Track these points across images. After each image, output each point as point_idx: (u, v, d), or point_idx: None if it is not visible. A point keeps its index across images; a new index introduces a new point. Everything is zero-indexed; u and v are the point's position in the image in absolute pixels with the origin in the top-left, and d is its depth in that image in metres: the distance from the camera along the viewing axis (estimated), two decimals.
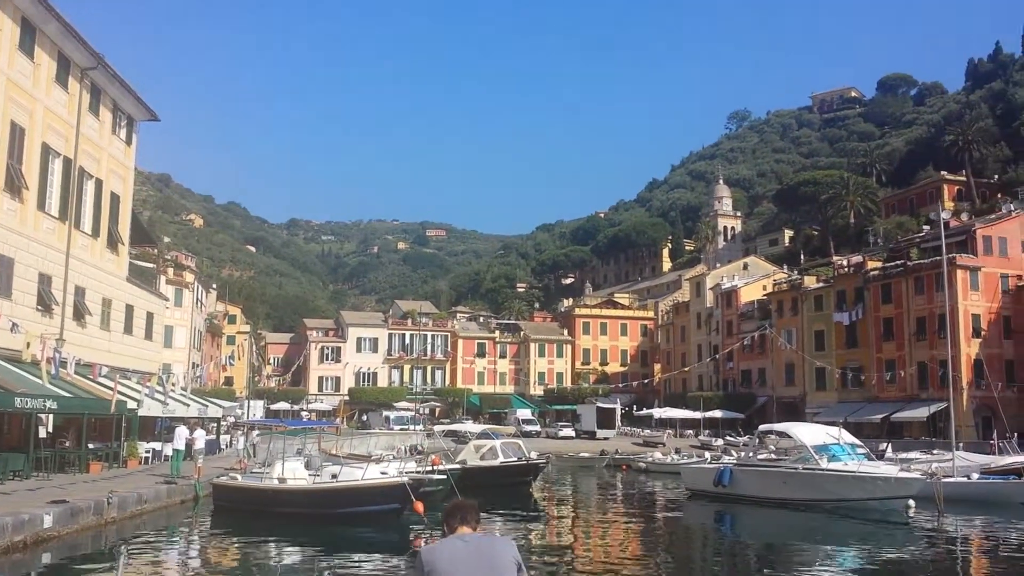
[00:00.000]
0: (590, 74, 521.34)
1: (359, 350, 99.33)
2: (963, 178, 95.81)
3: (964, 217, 74.21)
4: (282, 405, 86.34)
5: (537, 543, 23.48)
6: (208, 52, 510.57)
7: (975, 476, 32.42)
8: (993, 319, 61.48)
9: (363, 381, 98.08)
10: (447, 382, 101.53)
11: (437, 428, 65.47)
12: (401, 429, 69.07)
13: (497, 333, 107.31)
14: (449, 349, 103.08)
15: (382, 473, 25.56)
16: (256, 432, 44.30)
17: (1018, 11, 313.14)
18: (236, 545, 21.40)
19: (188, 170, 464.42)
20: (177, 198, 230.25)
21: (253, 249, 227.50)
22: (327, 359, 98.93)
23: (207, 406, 42.78)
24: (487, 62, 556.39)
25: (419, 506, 22.42)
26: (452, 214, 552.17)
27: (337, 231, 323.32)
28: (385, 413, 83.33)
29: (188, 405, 40.62)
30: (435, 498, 27.78)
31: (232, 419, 52.76)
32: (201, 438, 31.11)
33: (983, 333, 60.83)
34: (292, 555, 20.03)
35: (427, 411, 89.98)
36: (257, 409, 70.00)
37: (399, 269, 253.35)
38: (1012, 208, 69.27)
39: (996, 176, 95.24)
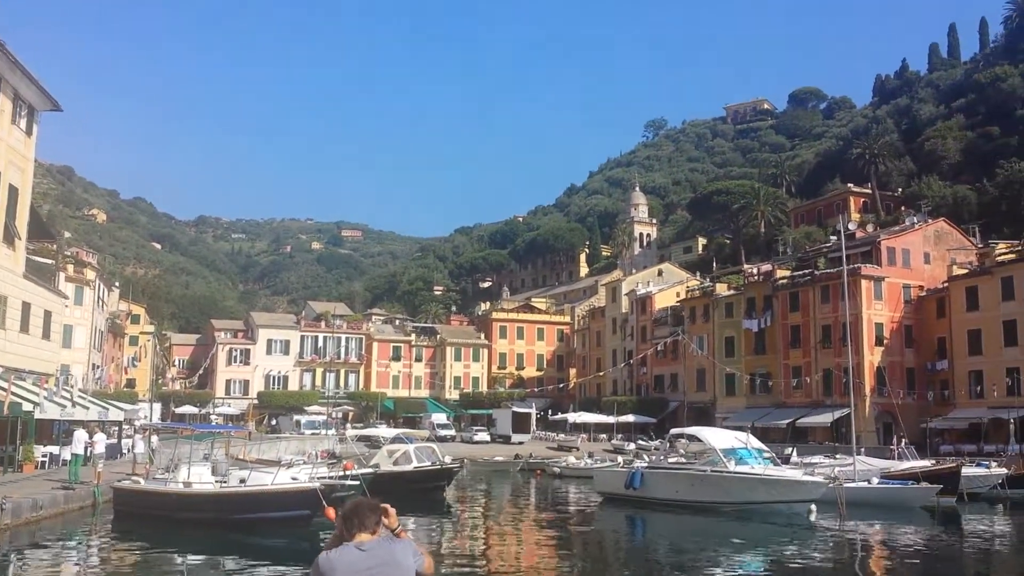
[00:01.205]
0: (510, 77, 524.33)
1: (269, 352, 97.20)
2: (869, 191, 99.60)
3: (869, 229, 77.13)
4: (188, 409, 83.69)
5: (450, 548, 23.30)
6: (115, 41, 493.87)
7: (876, 481, 33.57)
8: (895, 328, 63.99)
9: (273, 384, 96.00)
10: (361, 386, 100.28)
11: (350, 433, 64.48)
12: (312, 434, 67.75)
13: (413, 336, 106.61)
14: (363, 352, 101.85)
15: (292, 478, 25.04)
16: (152, 436, 42.75)
17: (924, 30, 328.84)
18: (138, 552, 20.59)
19: (92, 163, 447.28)
20: (80, 192, 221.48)
21: (159, 246, 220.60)
22: (236, 361, 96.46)
23: (108, 409, 41.10)
24: (406, 60, 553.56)
25: (330, 512, 21.87)
26: (369, 215, 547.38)
27: (248, 229, 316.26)
28: (296, 417, 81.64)
29: (88, 408, 38.96)
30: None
31: (135, 422, 50.89)
32: (101, 442, 29.97)
33: (885, 342, 63.23)
34: (197, 563, 19.36)
35: (340, 415, 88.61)
36: (152, 412, 67.69)
37: (313, 270, 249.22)
38: (915, 221, 72.22)
39: (900, 189, 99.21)
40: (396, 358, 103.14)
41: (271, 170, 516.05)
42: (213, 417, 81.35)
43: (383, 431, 63.42)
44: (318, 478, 25.26)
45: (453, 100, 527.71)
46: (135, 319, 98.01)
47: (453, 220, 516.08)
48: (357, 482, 27.64)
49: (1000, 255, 61.31)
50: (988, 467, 37.65)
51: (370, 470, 33.12)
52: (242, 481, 24.64)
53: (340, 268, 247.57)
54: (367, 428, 72.64)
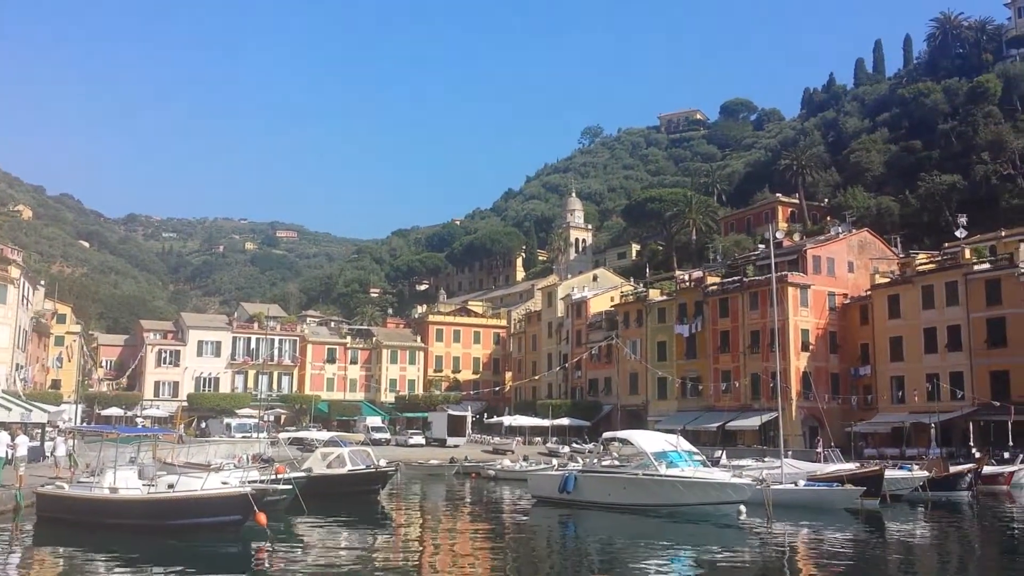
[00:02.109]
0: (450, 79, 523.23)
1: (200, 354, 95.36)
2: (796, 201, 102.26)
3: (796, 238, 79.25)
4: (114, 411, 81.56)
5: (384, 552, 23.27)
6: (35, 28, 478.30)
7: (802, 483, 34.54)
8: (820, 334, 65.87)
9: (204, 386, 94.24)
10: (294, 388, 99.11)
11: (282, 436, 63.57)
12: (243, 437, 66.73)
13: (349, 339, 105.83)
14: (297, 354, 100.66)
15: (223, 483, 24.70)
16: (72, 439, 41.57)
17: (851, 46, 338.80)
18: (62, 559, 20.12)
19: (17, 158, 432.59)
20: (4, 187, 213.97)
21: (87, 245, 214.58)
22: (165, 363, 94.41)
23: (31, 410, 39.96)
24: (345, 58, 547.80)
25: (261, 517, 21.79)
26: (305, 215, 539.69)
27: (180, 228, 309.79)
28: (227, 420, 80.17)
29: (10, 409, 37.82)
30: (279, 508, 27.08)
31: (58, 424, 49.46)
32: (24, 444, 29.10)
33: (811, 347, 65.02)
34: (123, 570, 18.97)
35: (272, 418, 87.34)
36: (76, 414, 65.74)
37: (246, 270, 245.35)
38: (840, 230, 74.57)
39: (826, 200, 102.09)
40: (331, 360, 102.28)
41: (204, 168, 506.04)
42: (139, 420, 79.48)
43: (317, 434, 62.72)
44: (249, 482, 24.94)
45: (391, 101, 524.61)
46: (61, 319, 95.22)
47: (390, 222, 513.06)
48: (289, 486, 27.38)
49: (921, 265, 63.59)
50: (910, 470, 38.94)
51: (302, 474, 32.81)
52: (171, 486, 24.19)
53: (274, 269, 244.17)
54: (300, 431, 71.74)
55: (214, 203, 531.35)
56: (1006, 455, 48.68)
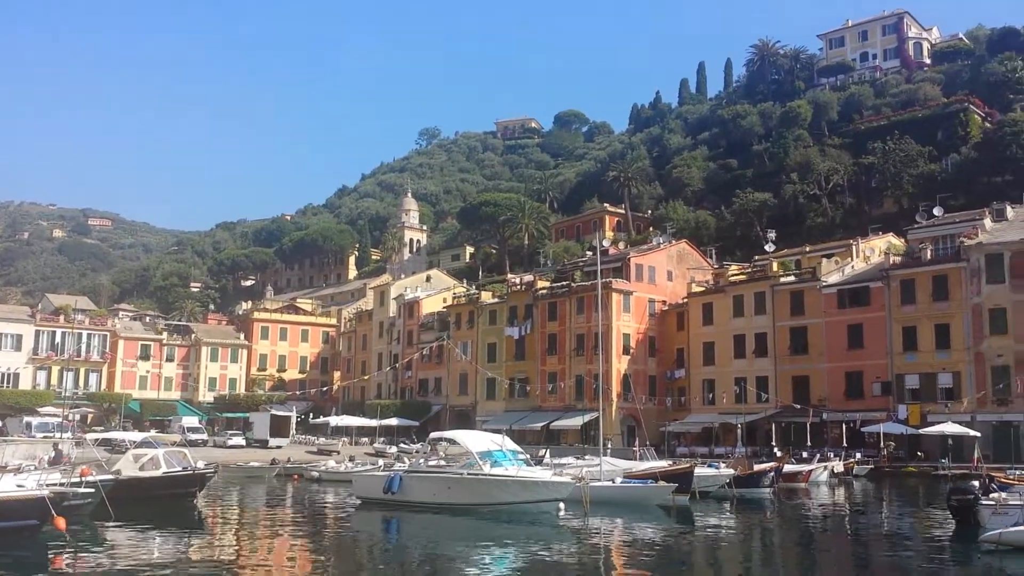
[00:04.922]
0: (283, 72, 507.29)
1: None
2: (622, 211, 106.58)
3: (621, 246, 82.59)
4: None
5: (197, 557, 22.35)
6: None
7: (619, 480, 35.94)
8: (641, 339, 68.98)
9: (2, 383, 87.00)
10: (104, 386, 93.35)
11: (89, 436, 59.53)
12: (45, 436, 62.13)
13: (165, 335, 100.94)
14: (108, 350, 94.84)
15: (18, 485, 22.99)
16: None
17: (677, 67, 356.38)
18: None
19: None
20: None
21: None
22: None
23: None
24: (174, 43, 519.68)
25: (60, 522, 20.45)
26: (121, 203, 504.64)
27: None
28: (27, 419, 74.37)
29: None
30: (81, 512, 25.48)
31: None
32: None
33: (632, 351, 67.99)
34: None
35: (78, 417, 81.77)
36: None
37: (53, 260, 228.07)
38: (661, 241, 78.61)
39: (650, 211, 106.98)
40: (145, 357, 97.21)
41: (6, 147, 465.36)
42: None
43: (129, 435, 59.23)
44: (47, 485, 23.28)
45: (220, 84, 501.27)
46: None
47: (215, 214, 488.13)
48: (92, 489, 25.79)
49: (733, 276, 67.93)
50: (718, 468, 41.29)
51: (110, 477, 30.95)
52: None
53: (85, 259, 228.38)
54: (109, 431, 67.54)
55: (19, 186, 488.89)
56: (804, 454, 52.74)
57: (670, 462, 44.02)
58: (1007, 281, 52.40)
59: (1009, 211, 58.59)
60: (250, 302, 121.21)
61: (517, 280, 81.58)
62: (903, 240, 65.85)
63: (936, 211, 65.89)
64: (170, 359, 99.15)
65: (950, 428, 50.62)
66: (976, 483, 27.80)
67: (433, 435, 39.62)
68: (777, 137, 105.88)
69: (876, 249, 65.77)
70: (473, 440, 34.32)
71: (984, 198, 68.05)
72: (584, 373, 67.71)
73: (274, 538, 27.10)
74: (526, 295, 75.50)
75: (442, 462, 35.83)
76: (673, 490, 33.51)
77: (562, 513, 29.52)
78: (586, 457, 45.31)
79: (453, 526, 29.07)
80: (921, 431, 52.78)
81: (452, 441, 35.94)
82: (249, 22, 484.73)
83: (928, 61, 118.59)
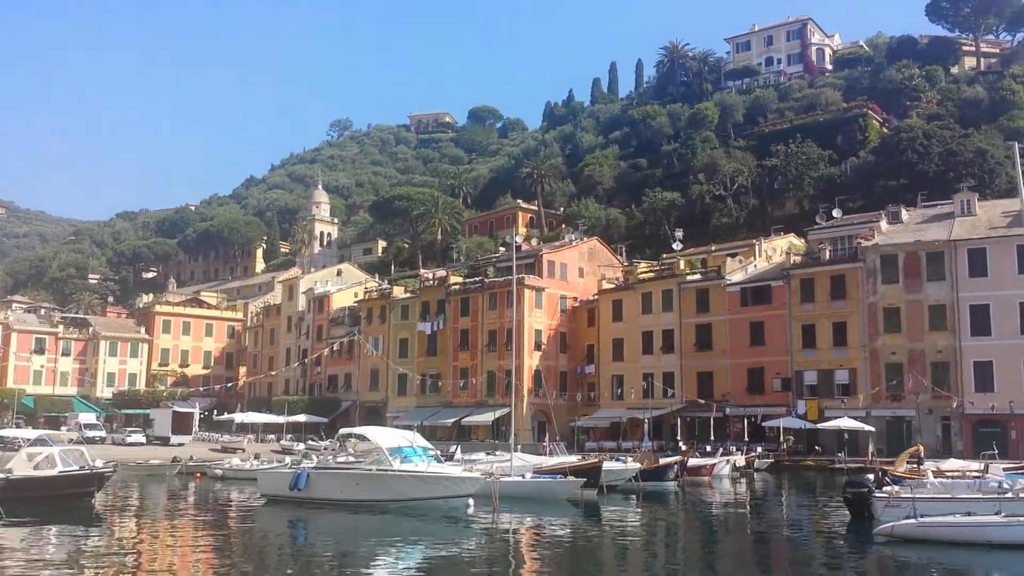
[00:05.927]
0: (183, 55, 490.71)
1: None
2: (535, 207, 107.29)
3: (534, 243, 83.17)
4: None
5: (98, 559, 21.51)
6: None
7: (528, 475, 36.20)
8: (552, 335, 69.58)
9: None
10: None
11: None
12: None
13: (61, 328, 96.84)
14: (0, 343, 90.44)
15: None
16: None
17: (590, 66, 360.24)
18: None
19: None
20: None
21: None
22: None
23: None
24: (75, 23, 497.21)
25: None
26: (14, 190, 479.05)
27: None
28: None
29: None
30: None
31: None
32: None
33: (543, 347, 68.51)
34: None
35: None
36: None
37: None
38: (573, 238, 79.38)
39: (562, 209, 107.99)
40: (39, 351, 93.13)
41: None
42: None
43: (22, 432, 56.60)
44: None
45: (119, 66, 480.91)
46: None
47: (115, 203, 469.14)
48: None
49: (642, 273, 69.14)
50: (625, 462, 42.01)
51: (1, 476, 29.60)
52: None
53: None
54: (2, 428, 64.44)
55: None
56: (708, 448, 54.19)
57: (579, 457, 44.57)
58: (901, 281, 54.84)
59: (904, 214, 61.23)
60: (151, 295, 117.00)
61: (430, 275, 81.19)
62: (804, 240, 68.23)
63: (835, 213, 68.58)
64: (66, 353, 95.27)
65: (846, 423, 52.72)
66: (871, 476, 28.96)
67: (343, 431, 39.17)
68: (685, 138, 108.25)
69: (778, 249, 67.92)
70: (383, 436, 34.08)
71: (881, 201, 70.84)
72: (496, 369, 67.92)
73: (174, 537, 26.35)
74: (439, 291, 75.23)
75: (351, 459, 35.39)
76: (582, 485, 33.96)
77: (471, 509, 29.54)
78: (497, 453, 45.49)
79: (362, 523, 28.76)
80: (819, 426, 54.82)
81: (362, 437, 35.58)
82: (154, 6, 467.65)
83: (830, 67, 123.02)
